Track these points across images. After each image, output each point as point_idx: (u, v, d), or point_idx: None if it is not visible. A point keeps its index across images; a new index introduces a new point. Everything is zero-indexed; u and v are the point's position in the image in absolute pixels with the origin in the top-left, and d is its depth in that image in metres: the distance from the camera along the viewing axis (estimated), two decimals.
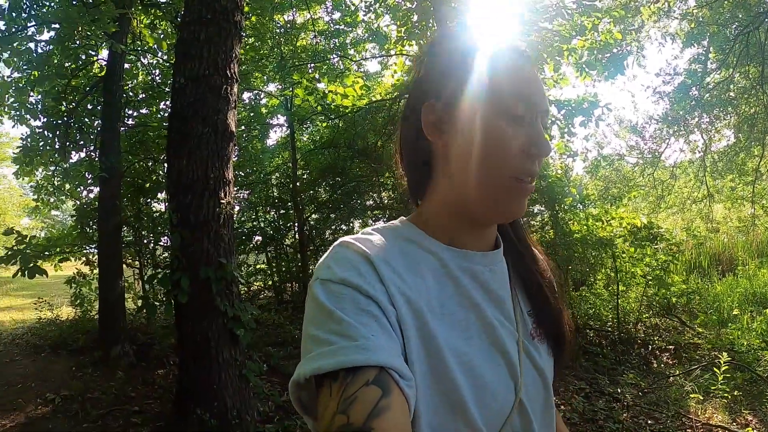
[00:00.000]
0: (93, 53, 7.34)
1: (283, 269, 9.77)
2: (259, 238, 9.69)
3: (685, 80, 14.43)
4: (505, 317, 0.82)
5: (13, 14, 6.41)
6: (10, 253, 5.49)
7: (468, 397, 0.70)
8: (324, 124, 9.99)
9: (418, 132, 0.84)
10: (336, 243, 0.78)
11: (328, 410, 0.60)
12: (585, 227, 6.87)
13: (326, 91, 8.95)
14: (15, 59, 6.81)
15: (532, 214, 7.42)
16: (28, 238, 5.76)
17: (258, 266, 10.04)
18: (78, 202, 8.18)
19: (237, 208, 9.12)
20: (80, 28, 5.50)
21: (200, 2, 4.28)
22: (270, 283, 9.92)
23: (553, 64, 7.23)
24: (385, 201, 9.34)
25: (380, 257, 0.74)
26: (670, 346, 6.48)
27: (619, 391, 5.17)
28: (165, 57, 8.49)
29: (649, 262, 6.88)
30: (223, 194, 4.22)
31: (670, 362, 6.14)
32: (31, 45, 6.78)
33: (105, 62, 7.24)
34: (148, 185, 8.17)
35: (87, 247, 7.78)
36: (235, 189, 8.56)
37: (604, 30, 7.28)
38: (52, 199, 9.02)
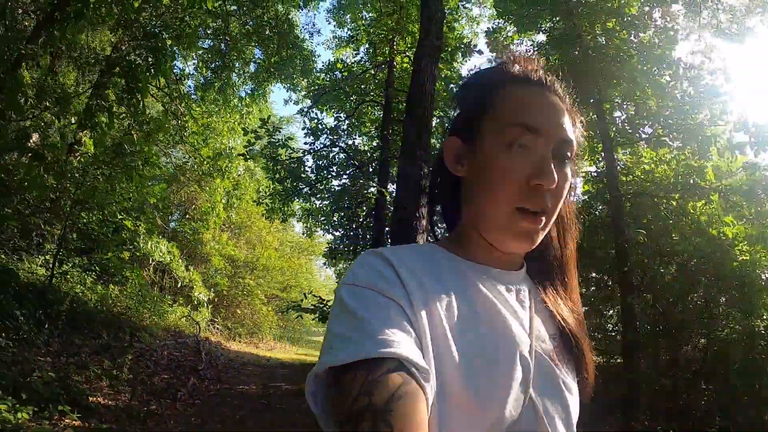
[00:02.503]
0: (367, 193, 12.07)
1: None
2: None
3: None
4: (521, 327, 0.82)
5: (319, 170, 11.50)
6: (313, 307, 10.03)
7: (477, 401, 0.71)
8: None
9: (444, 166, 0.91)
10: (362, 253, 0.84)
11: (350, 394, 0.62)
12: None
13: None
14: (324, 194, 11.89)
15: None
16: (326, 301, 10.27)
17: None
18: None
19: None
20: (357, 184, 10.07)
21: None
22: None
23: None
24: None
25: (401, 261, 0.78)
26: None
27: None
28: None
29: None
30: None
31: None
32: (335, 182, 11.77)
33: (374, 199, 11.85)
34: None
35: None
36: None
37: None
38: None
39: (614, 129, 10.11)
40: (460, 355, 0.72)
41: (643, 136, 9.91)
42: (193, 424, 5.70)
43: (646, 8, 10.09)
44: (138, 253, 10.41)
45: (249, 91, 14.84)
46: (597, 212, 9.87)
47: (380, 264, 0.77)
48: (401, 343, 0.66)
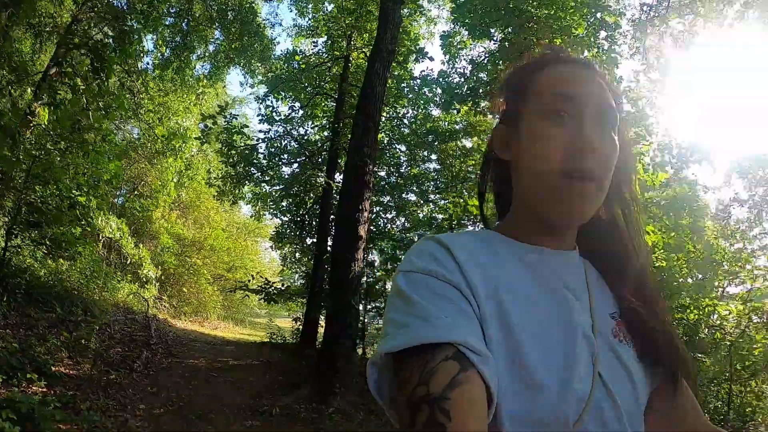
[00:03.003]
0: (315, 182, 12.60)
1: None
2: None
3: None
4: (581, 306, 0.83)
5: (271, 156, 11.97)
6: (259, 288, 10.54)
7: (546, 379, 0.71)
8: None
9: (493, 154, 0.96)
10: (419, 239, 0.88)
11: (410, 383, 0.64)
12: None
13: None
14: (275, 181, 12.36)
15: None
16: (272, 283, 10.80)
17: None
18: (306, 269, 13.41)
19: None
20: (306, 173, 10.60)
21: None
22: None
23: None
24: None
25: (457, 244, 0.80)
26: None
27: None
28: None
29: None
30: None
31: None
32: (286, 169, 12.26)
33: (322, 189, 12.40)
34: None
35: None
36: None
37: None
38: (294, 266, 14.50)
39: None
40: (528, 333, 0.73)
41: None
42: (149, 392, 6.22)
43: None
44: (89, 229, 10.63)
45: (206, 73, 15.15)
46: None
47: (435, 248, 0.79)
48: (458, 327, 0.67)
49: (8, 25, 9.42)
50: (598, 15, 11.08)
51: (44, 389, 5.13)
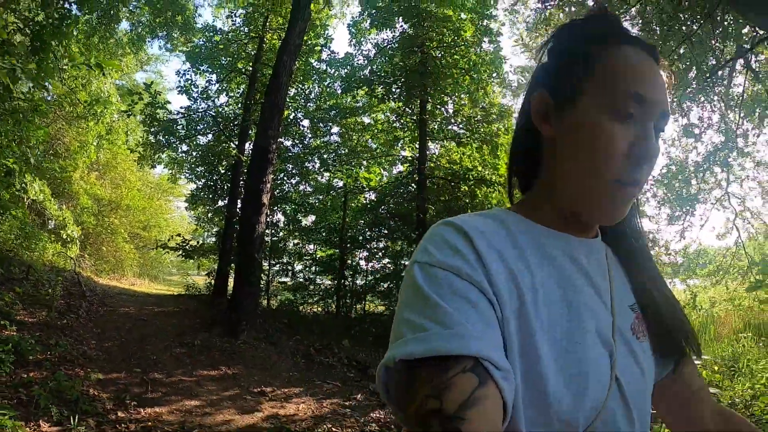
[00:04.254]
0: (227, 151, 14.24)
1: None
2: None
3: None
4: (603, 303, 0.81)
5: (189, 127, 13.55)
6: (178, 245, 12.19)
7: (560, 391, 0.69)
8: None
9: (528, 121, 0.86)
10: (433, 225, 0.79)
11: (420, 393, 0.61)
12: None
13: None
14: (192, 148, 13.95)
15: None
16: (188, 241, 12.45)
17: None
18: (218, 228, 15.11)
19: None
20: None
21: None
22: None
23: None
24: None
25: (479, 232, 0.75)
26: None
27: None
28: None
29: None
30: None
31: None
32: (201, 138, 13.84)
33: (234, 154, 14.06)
34: None
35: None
36: None
37: None
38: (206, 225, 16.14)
39: (432, 125, 13.29)
40: (546, 338, 0.71)
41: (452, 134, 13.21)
42: (95, 332, 7.92)
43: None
44: (17, 193, 11.85)
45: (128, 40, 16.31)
46: (411, 188, 13.00)
47: (455, 237, 0.74)
48: (480, 338, 0.64)
49: None
50: (485, 22, 13.22)
51: (15, 332, 6.68)
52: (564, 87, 0.82)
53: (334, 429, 5.51)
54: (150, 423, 4.97)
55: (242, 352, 8.18)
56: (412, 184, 12.83)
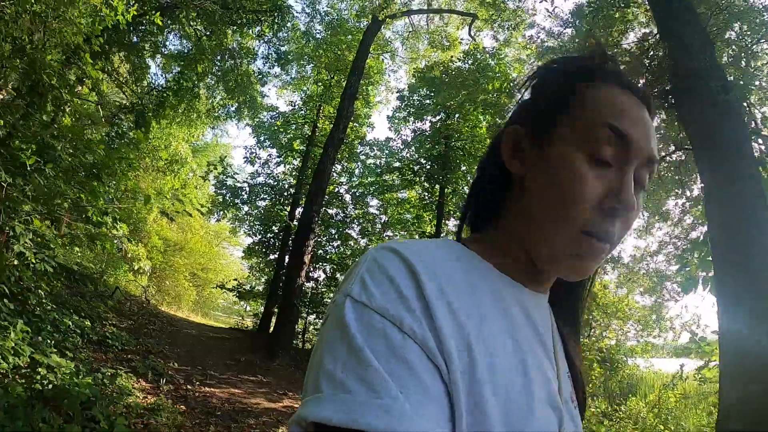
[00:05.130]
0: (281, 214, 17.27)
1: None
2: None
3: None
4: (551, 366, 0.74)
5: (254, 191, 16.78)
6: (234, 288, 15.14)
7: None
8: None
9: (496, 156, 0.81)
10: (374, 248, 0.69)
11: None
12: None
13: None
14: (252, 208, 17.08)
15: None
16: (243, 285, 15.35)
17: None
18: (267, 277, 18.04)
19: None
20: None
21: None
22: None
23: None
24: None
25: (430, 271, 0.64)
26: None
27: None
28: None
29: None
30: None
31: None
32: (260, 202, 16.99)
33: (285, 220, 17.05)
34: None
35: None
36: None
37: None
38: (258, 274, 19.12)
39: (448, 207, 16.25)
40: (498, 407, 0.60)
41: None
42: (167, 342, 10.81)
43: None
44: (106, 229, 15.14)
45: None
46: None
47: (400, 273, 0.63)
48: (415, 416, 0.53)
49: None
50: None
51: (115, 330, 9.56)
52: (539, 123, 0.77)
53: None
54: (207, 396, 7.68)
55: (275, 369, 10.95)
56: None
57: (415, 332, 0.58)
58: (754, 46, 6.55)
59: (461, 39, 17.71)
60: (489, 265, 0.73)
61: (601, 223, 0.68)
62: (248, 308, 19.06)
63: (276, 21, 14.68)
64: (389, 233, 17.66)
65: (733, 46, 6.67)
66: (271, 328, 14.64)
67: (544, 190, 0.72)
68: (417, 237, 16.84)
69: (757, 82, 6.63)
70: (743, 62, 6.51)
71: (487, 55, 15.49)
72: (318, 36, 18.37)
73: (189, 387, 7.74)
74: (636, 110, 0.72)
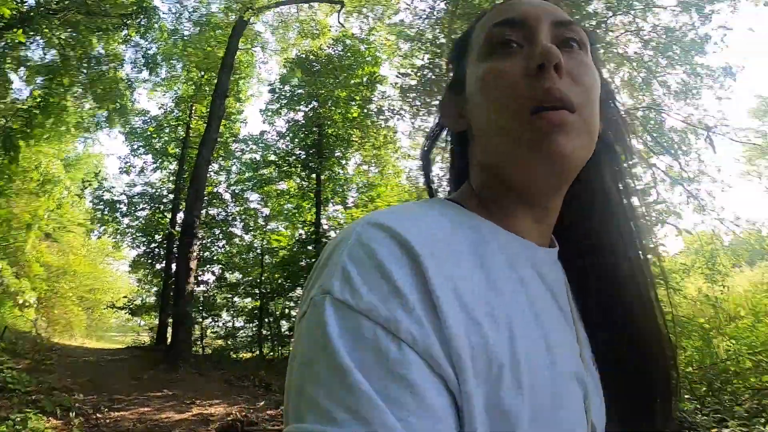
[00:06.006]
0: (163, 223, 17.22)
1: None
2: None
3: None
4: (571, 331, 0.67)
5: (132, 202, 16.71)
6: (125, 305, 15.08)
7: None
8: None
9: (453, 138, 0.83)
10: (358, 222, 0.58)
11: None
12: None
13: None
14: (132, 220, 16.99)
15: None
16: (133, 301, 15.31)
17: None
18: (156, 288, 18.01)
19: None
20: None
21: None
22: None
23: None
24: None
25: (431, 251, 0.53)
26: None
27: None
28: None
29: None
30: None
31: None
32: (140, 213, 16.91)
33: (166, 228, 17.03)
34: None
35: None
36: None
37: None
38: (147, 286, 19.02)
39: (325, 194, 16.87)
40: (527, 403, 0.52)
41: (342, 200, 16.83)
42: (68, 373, 10.78)
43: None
44: None
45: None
46: (310, 247, 16.32)
47: (392, 257, 0.51)
48: None
49: None
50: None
51: (12, 372, 9.51)
52: (456, 76, 0.76)
53: (239, 416, 8.52)
54: (118, 420, 7.88)
55: (180, 380, 11.09)
56: (312, 244, 16.01)
57: (414, 339, 0.47)
58: None
59: (331, 26, 18.09)
60: (492, 224, 0.64)
61: (537, 88, 0.61)
62: (143, 323, 18.88)
63: (141, 23, 14.66)
64: (272, 225, 17.92)
65: None
66: (169, 340, 14.61)
67: (480, 111, 0.67)
68: (300, 226, 17.36)
69: None
70: None
71: (357, 41, 16.02)
72: (186, 33, 18.22)
73: (99, 415, 7.85)
74: (518, 3, 0.69)
